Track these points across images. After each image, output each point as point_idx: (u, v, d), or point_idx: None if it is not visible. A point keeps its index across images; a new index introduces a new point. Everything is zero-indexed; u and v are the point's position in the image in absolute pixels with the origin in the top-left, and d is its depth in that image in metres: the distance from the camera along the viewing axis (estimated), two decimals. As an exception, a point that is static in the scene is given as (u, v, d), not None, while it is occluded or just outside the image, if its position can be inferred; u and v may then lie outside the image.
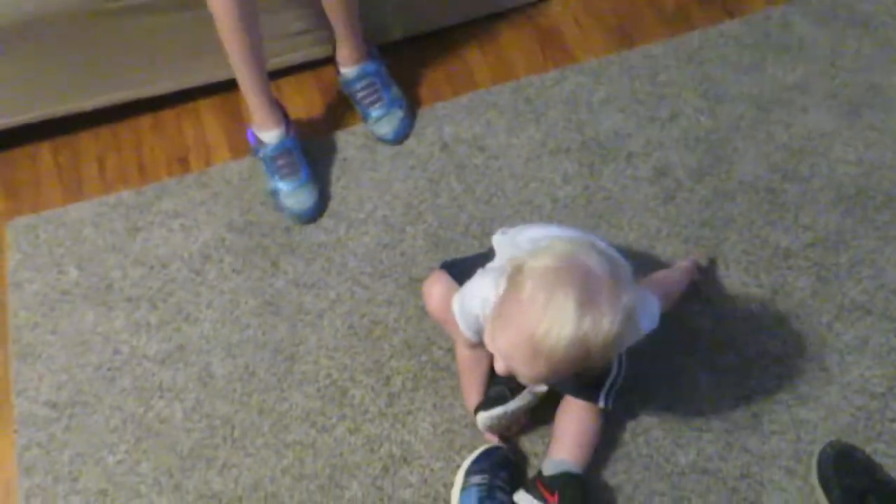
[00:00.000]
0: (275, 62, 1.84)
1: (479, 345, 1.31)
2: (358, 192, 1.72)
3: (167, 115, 1.87)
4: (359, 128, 1.81)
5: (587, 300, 1.05)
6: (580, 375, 1.21)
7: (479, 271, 1.30)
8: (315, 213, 1.69)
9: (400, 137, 1.78)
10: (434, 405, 1.48)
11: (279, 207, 1.70)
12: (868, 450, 1.38)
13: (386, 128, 1.77)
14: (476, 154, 1.75)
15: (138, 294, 1.62)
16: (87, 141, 1.85)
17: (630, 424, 1.43)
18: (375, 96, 1.78)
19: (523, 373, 1.12)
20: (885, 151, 1.71)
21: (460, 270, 1.38)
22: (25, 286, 1.64)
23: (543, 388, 1.36)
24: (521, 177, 1.70)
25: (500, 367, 1.15)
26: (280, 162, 1.69)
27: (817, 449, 1.38)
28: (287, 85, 1.89)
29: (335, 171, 1.75)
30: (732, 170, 1.70)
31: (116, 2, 1.66)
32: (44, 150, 1.84)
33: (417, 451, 1.44)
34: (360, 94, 1.79)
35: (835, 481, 1.32)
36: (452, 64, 1.91)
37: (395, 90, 1.81)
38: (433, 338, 1.54)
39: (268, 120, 1.69)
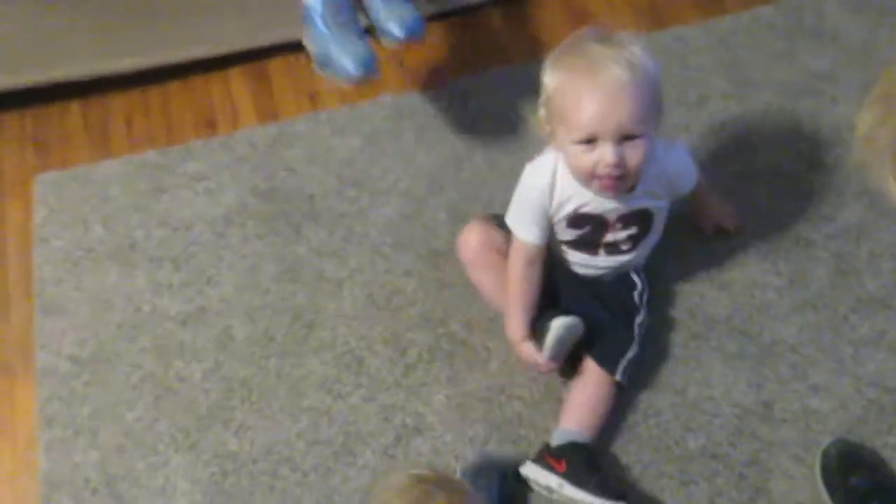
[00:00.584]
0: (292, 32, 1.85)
1: (535, 258, 1.39)
2: (382, 163, 1.73)
3: (197, 79, 1.88)
4: (385, 98, 1.82)
5: (611, 42, 1.26)
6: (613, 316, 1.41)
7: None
8: (373, 66, 1.58)
9: (412, 34, 1.61)
10: (448, 378, 1.49)
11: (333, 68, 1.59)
12: (878, 443, 1.39)
13: (394, 23, 1.62)
14: (502, 130, 1.75)
15: (161, 254, 1.64)
16: (117, 100, 1.87)
17: (641, 406, 1.45)
18: None
19: (618, 117, 1.22)
20: (912, 145, 1.70)
21: (498, 222, 1.46)
22: (52, 241, 1.67)
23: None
24: (545, 154, 1.71)
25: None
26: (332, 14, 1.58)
27: (826, 440, 1.38)
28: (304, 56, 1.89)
29: (359, 140, 1.76)
30: (757, 156, 1.70)
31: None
32: (74, 108, 1.86)
33: (430, 423, 1.45)
34: None
35: (838, 481, 1.32)
36: (481, 39, 1.91)
37: None
38: (451, 311, 1.55)
39: None
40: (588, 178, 1.29)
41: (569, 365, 1.44)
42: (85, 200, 1.72)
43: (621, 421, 1.43)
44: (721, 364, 1.48)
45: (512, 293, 1.43)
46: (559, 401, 1.44)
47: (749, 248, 1.59)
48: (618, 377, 1.40)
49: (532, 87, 1.81)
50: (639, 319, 1.45)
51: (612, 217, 1.37)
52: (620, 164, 1.26)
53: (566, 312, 1.38)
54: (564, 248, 1.43)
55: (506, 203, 1.65)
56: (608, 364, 1.40)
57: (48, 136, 1.83)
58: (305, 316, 1.57)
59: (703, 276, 1.57)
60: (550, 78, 1.29)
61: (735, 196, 1.64)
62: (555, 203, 1.35)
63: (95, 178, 1.75)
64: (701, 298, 1.54)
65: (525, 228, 1.38)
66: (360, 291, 1.59)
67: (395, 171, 1.72)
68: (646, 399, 1.45)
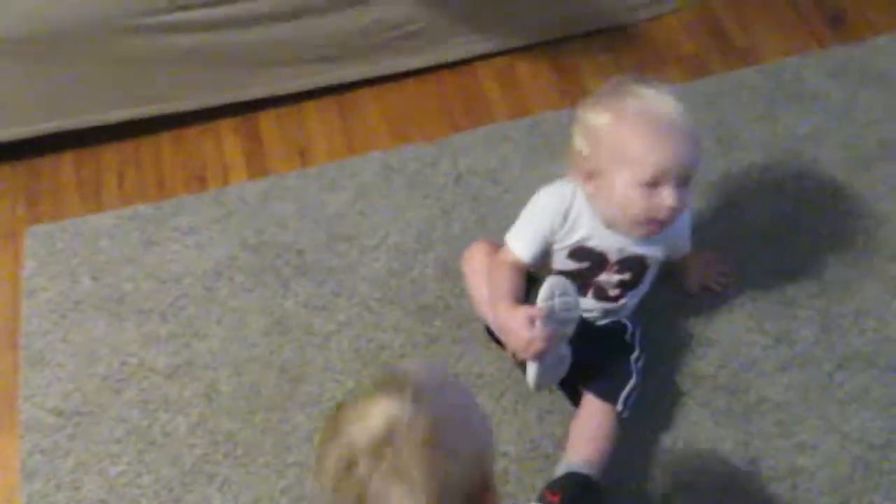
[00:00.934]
0: (299, 84, 1.88)
1: (520, 270, 1.39)
2: (371, 218, 1.75)
3: (188, 132, 1.91)
4: (374, 153, 1.84)
5: (658, 86, 1.31)
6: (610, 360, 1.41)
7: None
8: None
9: None
10: (435, 433, 1.49)
11: None
12: (865, 500, 1.39)
13: None
14: (490, 186, 1.77)
15: (149, 307, 1.65)
16: (109, 153, 1.89)
17: (627, 462, 1.44)
18: None
19: (684, 157, 1.26)
20: (893, 205, 1.73)
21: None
22: (39, 293, 1.67)
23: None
24: (532, 211, 1.72)
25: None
26: None
27: (814, 497, 1.38)
28: (308, 109, 1.92)
29: (349, 195, 1.78)
30: (742, 215, 1.72)
31: (146, 18, 1.70)
32: (66, 160, 1.88)
33: (416, 478, 1.44)
34: None
35: None
36: (470, 97, 1.94)
37: None
38: (438, 366, 1.55)
39: None
40: (640, 221, 1.31)
41: (571, 401, 1.46)
42: (75, 253, 1.72)
43: (606, 477, 1.42)
44: (708, 421, 1.48)
45: (493, 281, 1.40)
46: (546, 457, 1.44)
47: (734, 305, 1.61)
48: (619, 408, 1.40)
49: (520, 145, 1.85)
50: (634, 356, 1.46)
51: (612, 257, 1.39)
52: (679, 207, 1.29)
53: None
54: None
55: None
56: (609, 396, 1.40)
57: (40, 187, 1.84)
58: (292, 370, 1.56)
59: (689, 332, 1.58)
60: (602, 118, 1.30)
61: (720, 254, 1.66)
62: (566, 228, 1.37)
63: (86, 230, 1.75)
64: (687, 355, 1.55)
65: (523, 244, 1.38)
66: (347, 345, 1.59)
67: (385, 226, 1.73)
68: (633, 455, 1.45)
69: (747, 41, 2.01)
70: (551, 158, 1.80)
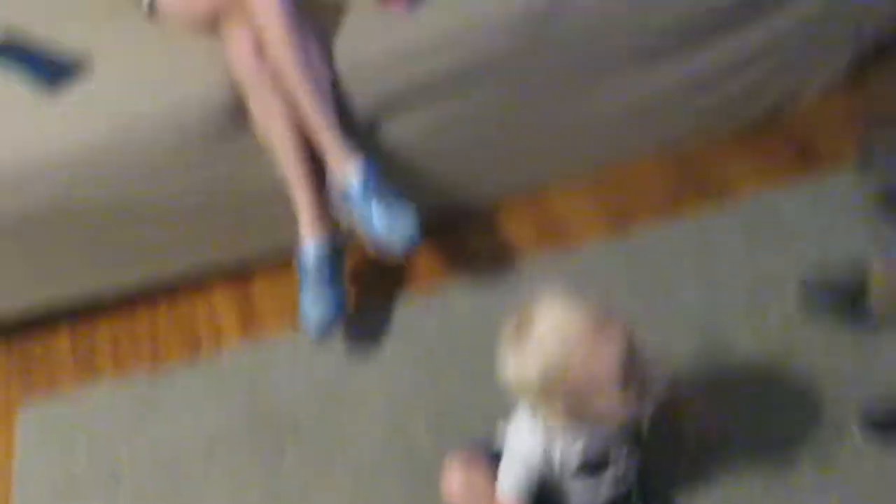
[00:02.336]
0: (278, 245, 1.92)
1: None
2: (362, 380, 1.76)
3: (182, 298, 1.94)
4: (367, 310, 1.86)
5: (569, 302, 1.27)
6: None
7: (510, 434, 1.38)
8: (332, 328, 1.74)
9: (413, 246, 1.71)
10: None
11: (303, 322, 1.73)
12: None
13: (395, 238, 1.70)
14: (481, 339, 1.75)
15: (144, 483, 1.64)
16: (103, 321, 1.92)
17: None
18: (381, 200, 1.71)
19: (614, 361, 1.21)
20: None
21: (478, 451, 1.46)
22: (34, 472, 1.68)
23: None
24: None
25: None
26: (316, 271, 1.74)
27: None
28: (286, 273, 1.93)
29: (340, 357, 1.80)
30: (730, 360, 1.73)
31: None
32: (60, 331, 1.91)
33: None
34: (363, 201, 1.71)
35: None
36: (452, 249, 1.96)
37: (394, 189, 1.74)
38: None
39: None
40: (632, 413, 1.30)
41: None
42: (69, 429, 1.73)
43: None
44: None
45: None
46: None
47: (735, 460, 1.60)
48: None
49: (505, 297, 1.86)
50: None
51: (615, 442, 1.38)
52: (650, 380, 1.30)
53: None
54: (566, 485, 1.42)
55: (487, 418, 1.67)
56: None
57: (34, 361, 1.87)
58: (290, 543, 1.55)
59: (687, 489, 1.57)
60: (553, 362, 1.22)
61: (712, 398, 1.66)
62: (556, 465, 1.34)
63: (80, 406, 1.77)
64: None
65: (516, 489, 1.36)
66: (345, 514, 1.58)
67: (376, 388, 1.74)
68: None
69: (724, 178, 2.05)
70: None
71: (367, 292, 1.91)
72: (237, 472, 1.64)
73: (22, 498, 1.64)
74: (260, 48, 1.70)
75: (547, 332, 1.22)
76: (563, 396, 1.23)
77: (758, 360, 1.73)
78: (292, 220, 1.80)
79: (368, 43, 1.79)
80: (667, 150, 2.10)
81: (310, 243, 1.78)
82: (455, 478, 1.45)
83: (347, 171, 1.73)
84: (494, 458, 1.40)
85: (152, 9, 1.84)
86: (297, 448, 1.67)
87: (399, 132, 1.86)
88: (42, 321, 1.90)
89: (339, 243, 1.81)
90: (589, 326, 1.22)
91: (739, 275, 1.86)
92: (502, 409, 1.44)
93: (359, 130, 1.80)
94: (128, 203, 1.77)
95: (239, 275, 1.96)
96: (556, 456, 1.33)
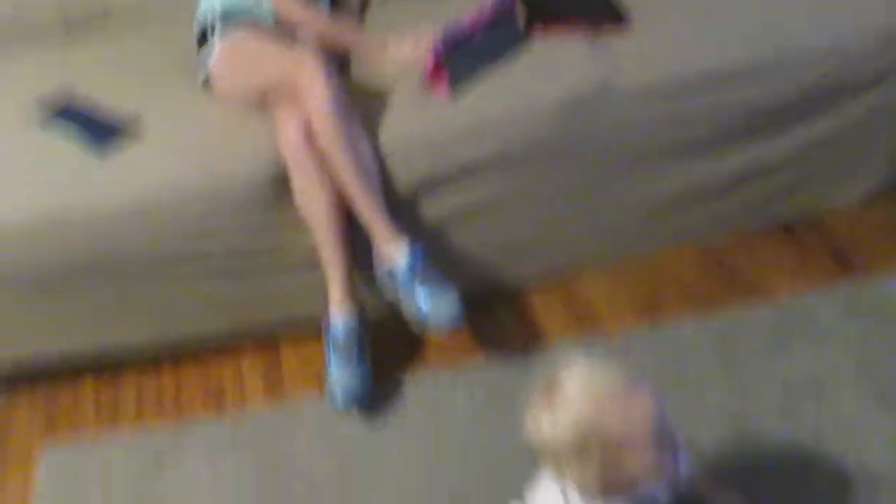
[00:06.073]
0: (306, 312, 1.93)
1: None
2: (387, 450, 1.74)
3: (209, 356, 1.95)
4: (392, 382, 1.86)
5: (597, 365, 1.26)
6: None
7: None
8: (358, 402, 1.76)
9: (457, 324, 1.74)
10: None
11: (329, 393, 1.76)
12: None
13: (438, 312, 1.73)
14: (505, 418, 1.75)
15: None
16: (129, 374, 1.93)
17: None
18: (426, 281, 1.74)
19: (649, 413, 1.21)
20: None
21: None
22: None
23: None
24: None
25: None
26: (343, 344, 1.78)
27: None
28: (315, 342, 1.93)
29: (364, 425, 1.79)
30: (760, 453, 1.69)
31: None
32: (86, 380, 1.93)
33: None
34: (406, 282, 1.75)
35: None
36: (485, 331, 1.97)
37: (438, 270, 1.78)
38: None
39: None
40: (663, 475, 1.27)
41: None
42: (87, 476, 1.73)
43: None
44: None
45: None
46: None
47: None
48: None
49: (531, 377, 1.84)
50: None
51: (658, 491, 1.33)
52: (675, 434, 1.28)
53: None
54: None
55: (510, 491, 1.64)
56: None
57: (58, 407, 1.88)
58: None
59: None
60: (585, 420, 1.21)
61: (741, 490, 1.62)
62: None
63: (100, 453, 1.77)
64: None
65: None
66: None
67: (398, 460, 1.72)
68: None
69: (757, 276, 2.05)
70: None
71: (397, 364, 1.91)
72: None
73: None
74: (309, 131, 1.76)
75: (580, 391, 1.23)
76: (597, 456, 1.21)
77: (791, 460, 1.69)
78: (324, 293, 1.83)
79: (412, 127, 1.84)
80: (702, 243, 2.11)
81: (338, 318, 1.80)
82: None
83: (394, 253, 1.77)
84: None
85: (206, 83, 1.93)
86: (314, 513, 1.65)
87: (438, 213, 1.90)
88: (69, 370, 1.91)
89: (367, 320, 1.84)
90: (620, 386, 1.23)
91: (774, 373, 1.83)
92: (522, 490, 1.41)
93: (403, 211, 1.84)
94: (164, 262, 1.81)
95: (267, 341, 1.97)
96: None
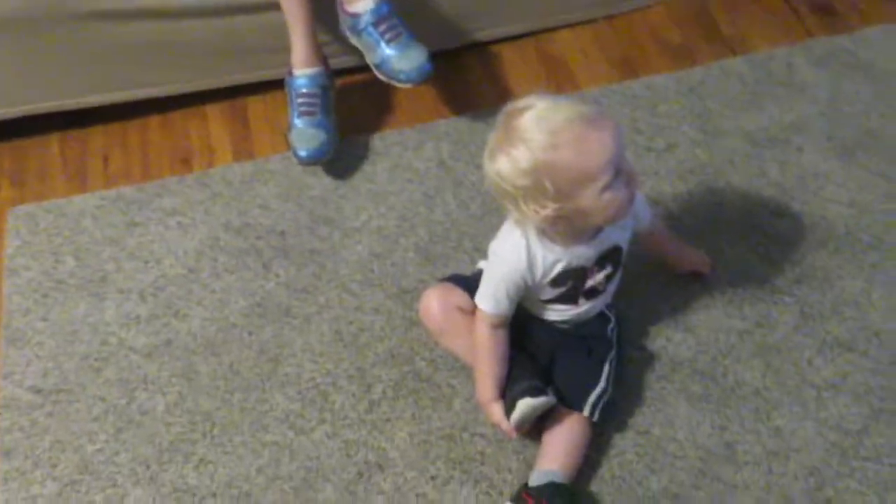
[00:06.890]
0: (273, 73, 1.88)
1: (502, 324, 1.37)
2: (354, 202, 1.75)
3: (175, 115, 1.92)
4: (360, 137, 1.84)
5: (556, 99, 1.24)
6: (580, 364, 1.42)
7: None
8: (323, 155, 1.74)
9: (426, 77, 1.70)
10: (413, 415, 1.49)
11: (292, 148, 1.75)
12: (839, 486, 1.39)
13: (407, 64, 1.68)
14: (473, 172, 1.77)
15: (130, 287, 1.65)
16: (95, 135, 1.90)
17: (604, 446, 1.44)
18: (393, 32, 1.69)
19: (612, 145, 1.19)
20: (876, 194, 1.73)
21: (456, 283, 1.47)
22: (21, 273, 1.67)
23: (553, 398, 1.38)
24: (515, 197, 1.73)
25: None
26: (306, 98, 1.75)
27: (789, 482, 1.38)
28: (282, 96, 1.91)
29: (332, 179, 1.78)
30: (724, 203, 1.72)
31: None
32: (53, 141, 1.89)
33: (393, 460, 1.45)
34: (372, 32, 1.70)
35: None
36: (456, 84, 1.94)
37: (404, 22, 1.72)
38: (417, 349, 1.55)
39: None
40: (613, 218, 1.27)
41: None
42: (58, 233, 1.72)
43: (584, 461, 1.42)
44: (685, 406, 1.48)
45: (479, 359, 1.41)
46: (521, 439, 1.44)
47: (714, 292, 1.61)
48: (586, 414, 1.39)
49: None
50: (610, 355, 1.46)
51: (591, 263, 1.36)
52: (637, 184, 1.27)
53: (534, 389, 1.36)
54: (543, 304, 1.42)
55: (476, 242, 1.68)
56: (576, 404, 1.40)
57: (25, 168, 1.85)
58: (271, 351, 1.57)
59: (668, 319, 1.58)
60: (533, 153, 1.19)
61: (702, 241, 1.66)
62: (538, 275, 1.33)
63: (69, 211, 1.76)
64: (666, 341, 1.55)
65: (495, 304, 1.35)
66: (327, 327, 1.59)
67: (367, 210, 1.74)
68: (609, 439, 1.45)
69: (735, 31, 2.01)
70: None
71: (363, 121, 1.88)
72: (222, 283, 1.65)
73: (10, 294, 1.64)
74: None
75: (536, 122, 1.19)
76: (552, 191, 1.20)
77: (753, 215, 1.72)
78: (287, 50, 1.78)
79: None
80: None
81: (300, 72, 1.76)
82: (434, 300, 1.46)
83: (359, 2, 1.70)
84: (473, 290, 1.39)
85: None
86: (283, 260, 1.67)
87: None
88: (34, 130, 1.87)
89: (330, 76, 1.80)
90: (578, 119, 1.19)
91: (743, 125, 1.83)
92: (489, 242, 1.40)
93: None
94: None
95: (235, 103, 1.93)
96: (538, 262, 1.32)
